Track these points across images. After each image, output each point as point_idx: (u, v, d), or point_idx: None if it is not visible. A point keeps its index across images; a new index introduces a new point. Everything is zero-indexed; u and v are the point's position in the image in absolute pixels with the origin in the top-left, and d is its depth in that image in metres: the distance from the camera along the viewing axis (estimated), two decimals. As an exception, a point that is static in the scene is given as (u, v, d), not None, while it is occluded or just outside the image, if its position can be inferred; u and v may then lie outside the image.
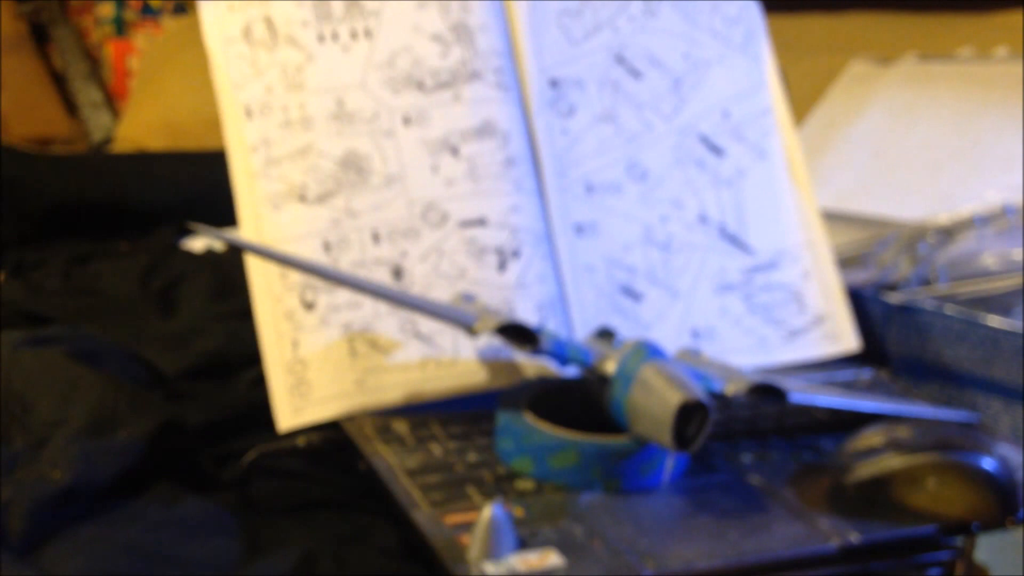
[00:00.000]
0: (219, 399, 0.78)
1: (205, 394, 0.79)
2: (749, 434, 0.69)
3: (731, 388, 0.65)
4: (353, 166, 0.75)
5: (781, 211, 0.83)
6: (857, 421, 0.66)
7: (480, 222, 0.75)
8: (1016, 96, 1.00)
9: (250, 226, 0.74)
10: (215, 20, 0.76)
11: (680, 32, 0.83)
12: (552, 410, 0.64)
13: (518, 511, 0.58)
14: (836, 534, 0.57)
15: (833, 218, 0.90)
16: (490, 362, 0.73)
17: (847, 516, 0.59)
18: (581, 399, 0.66)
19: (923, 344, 0.77)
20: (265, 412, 0.71)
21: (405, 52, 0.77)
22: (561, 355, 0.65)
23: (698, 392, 0.59)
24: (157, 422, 0.69)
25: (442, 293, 0.74)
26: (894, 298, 0.79)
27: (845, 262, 0.85)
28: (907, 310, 0.78)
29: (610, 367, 0.63)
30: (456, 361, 0.73)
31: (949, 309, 0.75)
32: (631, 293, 0.79)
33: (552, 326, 0.75)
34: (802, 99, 1.10)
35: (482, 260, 0.75)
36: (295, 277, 0.73)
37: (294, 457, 0.69)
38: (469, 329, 0.65)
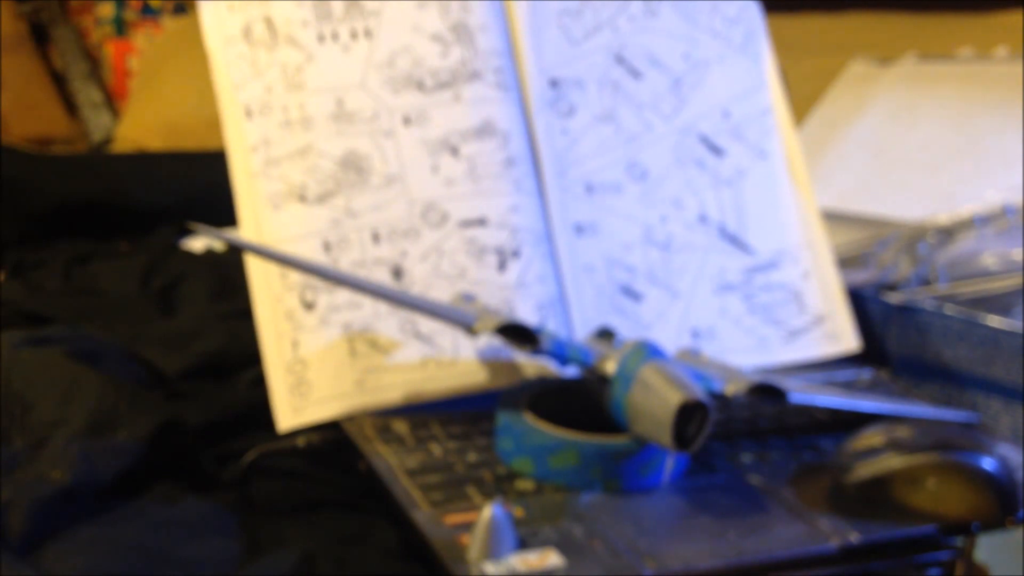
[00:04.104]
0: (219, 399, 0.78)
1: (205, 394, 0.79)
2: (749, 434, 0.69)
3: (731, 388, 0.65)
4: (353, 166, 0.75)
5: (781, 211, 0.83)
6: (857, 421, 0.66)
7: (480, 222, 0.75)
8: (1016, 96, 1.00)
9: (250, 226, 0.74)
10: (215, 20, 0.76)
11: (680, 32, 0.83)
12: (552, 410, 0.64)
13: (518, 511, 0.58)
14: (836, 534, 0.57)
15: (833, 218, 0.90)
16: (490, 362, 0.73)
17: (847, 516, 0.59)
18: (581, 399, 0.66)
19: (923, 344, 0.77)
20: (265, 412, 0.71)
21: (405, 52, 0.77)
22: (561, 355, 0.65)
23: (698, 392, 0.59)
24: (157, 422, 0.69)
25: (442, 293, 0.74)
26: (894, 298, 0.79)
27: (845, 262, 0.85)
28: (907, 310, 0.78)
29: (610, 367, 0.63)
30: (456, 361, 0.73)
31: (949, 309, 0.75)
32: (631, 293, 0.79)
33: (552, 326, 0.75)
34: (802, 99, 1.10)
35: (482, 260, 0.75)
36: (295, 277, 0.73)
37: (294, 457, 0.69)
38: (469, 329, 0.65)
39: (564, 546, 0.55)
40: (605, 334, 0.72)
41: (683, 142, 0.82)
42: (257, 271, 0.74)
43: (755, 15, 0.85)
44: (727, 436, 0.69)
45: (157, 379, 0.82)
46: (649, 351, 0.63)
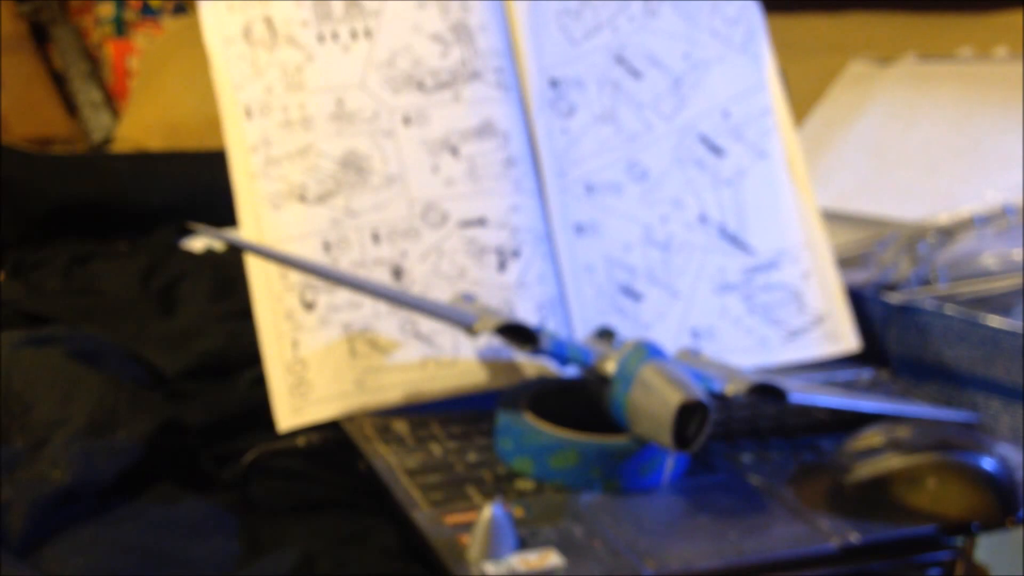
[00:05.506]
0: (219, 399, 0.78)
1: (205, 394, 0.79)
2: (749, 434, 0.69)
3: (731, 388, 0.65)
4: (353, 166, 0.75)
5: (781, 211, 0.83)
6: (857, 421, 0.66)
7: (480, 222, 0.75)
8: (1016, 96, 1.00)
9: (250, 226, 0.74)
10: (215, 20, 0.76)
11: (680, 32, 0.83)
12: (552, 410, 0.64)
13: (518, 511, 0.58)
14: (836, 534, 0.57)
15: (833, 218, 0.90)
16: (490, 362, 0.73)
17: (847, 516, 0.59)
18: (581, 399, 0.66)
19: (923, 344, 0.77)
20: (265, 412, 0.71)
21: (405, 52, 0.77)
22: (561, 355, 0.65)
23: (698, 392, 0.59)
24: (157, 422, 0.69)
25: (442, 293, 0.74)
26: (894, 298, 0.79)
27: (845, 262, 0.85)
28: (907, 310, 0.78)
29: (610, 367, 0.63)
30: (456, 361, 0.73)
31: (949, 309, 0.75)
32: (631, 293, 0.79)
33: (552, 326, 0.75)
34: (802, 99, 1.10)
35: (482, 260, 0.75)
36: (295, 277, 0.73)
37: (294, 457, 0.69)
38: (469, 329, 0.65)
39: (564, 546, 0.55)
40: (605, 334, 0.72)
41: (683, 142, 0.82)
42: (257, 271, 0.74)
43: (755, 15, 0.85)
44: (727, 436, 0.69)
45: (157, 379, 0.82)
46: (649, 351, 0.63)
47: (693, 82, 0.83)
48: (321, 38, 0.76)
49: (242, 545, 0.61)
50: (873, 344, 0.81)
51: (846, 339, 0.81)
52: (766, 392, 0.65)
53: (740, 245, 0.82)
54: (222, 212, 0.83)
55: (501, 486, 0.62)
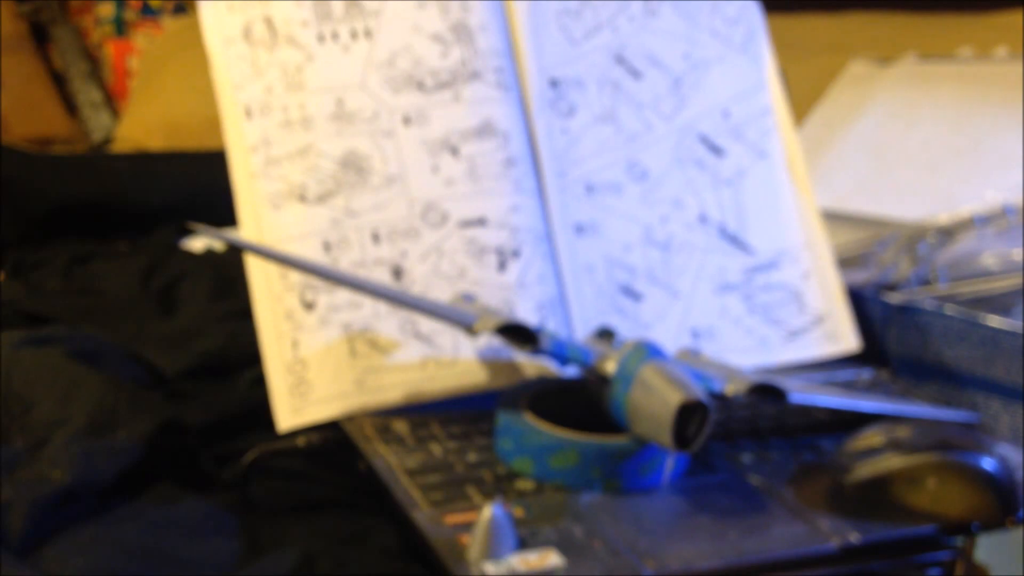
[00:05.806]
0: (219, 399, 0.78)
1: (205, 394, 0.79)
2: (749, 434, 0.69)
3: (731, 388, 0.65)
4: (353, 166, 0.75)
5: (781, 211, 0.83)
6: (857, 421, 0.66)
7: (480, 222, 0.75)
8: (1016, 96, 1.00)
9: (250, 226, 0.74)
10: (215, 20, 0.76)
11: (680, 32, 0.83)
12: (552, 410, 0.64)
13: (518, 511, 0.58)
14: (836, 534, 0.57)
15: (833, 218, 0.90)
16: (490, 362, 0.73)
17: (847, 516, 0.59)
18: (581, 399, 0.66)
19: (923, 344, 0.77)
20: (265, 412, 0.72)
21: (405, 52, 0.77)
22: (561, 355, 0.65)
23: (698, 392, 0.59)
24: (157, 422, 0.69)
25: (442, 293, 0.74)
26: (894, 298, 0.79)
27: (845, 262, 0.85)
28: (907, 310, 0.78)
29: (610, 367, 0.63)
30: (456, 361, 0.73)
31: (949, 309, 0.75)
32: (631, 293, 0.79)
33: (552, 326, 0.75)
34: (802, 99, 1.10)
35: (482, 260, 0.75)
36: (295, 277, 0.73)
37: (294, 457, 0.69)
38: (469, 329, 0.65)
39: (564, 546, 0.55)
40: (605, 334, 0.72)
41: (683, 142, 0.82)
42: (257, 271, 0.74)
43: (755, 15, 0.85)
44: (727, 436, 0.69)
45: (157, 379, 0.82)
46: (649, 351, 0.63)
47: (693, 82, 0.83)
48: (321, 38, 0.76)
49: (242, 545, 0.61)
50: (873, 344, 0.81)
51: (846, 339, 0.81)
52: (766, 392, 0.65)
53: (740, 245, 0.82)
54: (222, 212, 0.83)
55: (501, 486, 0.62)
